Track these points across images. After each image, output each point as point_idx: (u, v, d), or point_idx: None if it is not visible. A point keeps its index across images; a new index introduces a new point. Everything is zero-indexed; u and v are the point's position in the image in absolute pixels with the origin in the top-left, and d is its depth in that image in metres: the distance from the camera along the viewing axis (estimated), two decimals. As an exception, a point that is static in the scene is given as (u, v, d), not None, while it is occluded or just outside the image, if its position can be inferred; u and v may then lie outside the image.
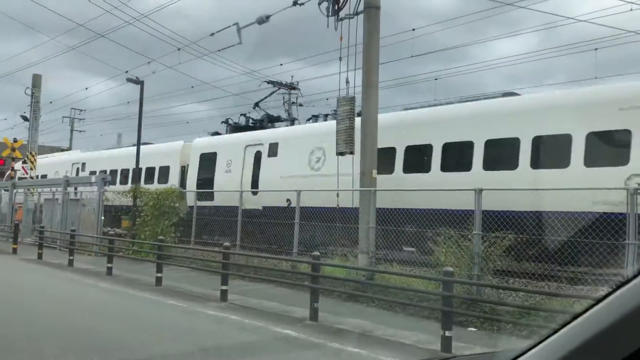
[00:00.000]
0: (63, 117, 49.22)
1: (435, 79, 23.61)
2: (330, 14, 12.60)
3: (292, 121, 22.03)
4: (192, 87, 45.88)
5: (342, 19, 12.47)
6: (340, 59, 12.45)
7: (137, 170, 20.08)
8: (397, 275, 9.69)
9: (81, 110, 49.13)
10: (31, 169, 26.29)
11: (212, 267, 13.15)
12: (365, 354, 6.49)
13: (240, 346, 6.67)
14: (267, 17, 14.70)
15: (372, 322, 8.35)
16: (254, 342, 6.95)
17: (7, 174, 29.93)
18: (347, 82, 12.58)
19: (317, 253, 9.02)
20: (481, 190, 9.38)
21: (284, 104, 44.24)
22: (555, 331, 1.17)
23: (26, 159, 27.08)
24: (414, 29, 21.48)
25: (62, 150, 50.53)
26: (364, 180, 11.75)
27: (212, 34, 17.15)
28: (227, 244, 10.81)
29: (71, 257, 15.20)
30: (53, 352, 5.93)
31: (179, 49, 20.95)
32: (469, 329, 7.88)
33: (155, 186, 19.67)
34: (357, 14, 12.23)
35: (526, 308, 7.85)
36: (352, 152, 12.48)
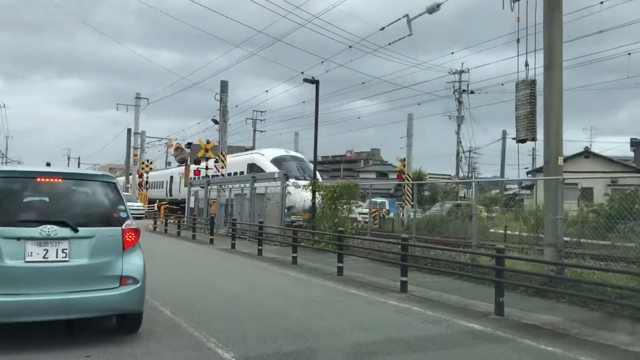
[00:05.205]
0: (246, 118, 53.39)
1: (629, 54, 21.15)
2: (506, -5, 12.00)
3: None
4: (363, 82, 46.68)
5: (518, -1, 11.81)
6: (518, 41, 11.82)
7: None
8: (591, 270, 8.93)
9: (262, 112, 52.84)
10: (222, 167, 28.90)
11: (389, 258, 13.36)
12: (560, 352, 6.11)
13: (426, 337, 6.68)
14: (438, 6, 14.43)
15: (563, 318, 7.84)
16: (439, 333, 6.92)
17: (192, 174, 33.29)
18: (527, 65, 11.90)
19: (501, 246, 8.68)
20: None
21: (454, 92, 43.15)
22: None
23: (217, 158, 29.85)
24: (602, 2, 19.45)
25: (246, 149, 54.75)
26: (549, 169, 11.03)
27: (382, 28, 17.31)
28: (405, 235, 10.89)
29: (260, 247, 16.49)
30: (254, 334, 6.48)
31: (350, 47, 21.52)
32: (683, 331, 7.01)
33: None
34: (536, -9, 11.49)
35: None
36: (533, 139, 11.81)
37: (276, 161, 28.49)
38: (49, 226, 5.57)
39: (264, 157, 29.93)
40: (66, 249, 5.64)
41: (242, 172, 29.76)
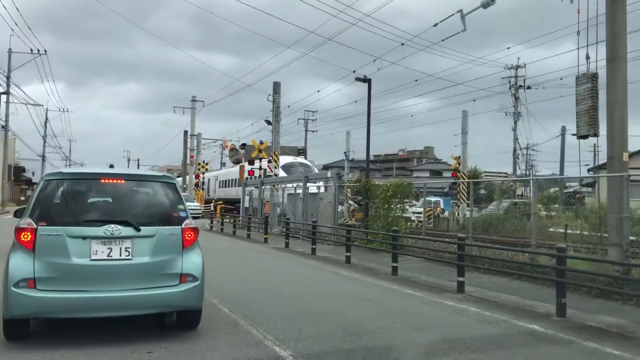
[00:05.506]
0: (298, 119, 53.77)
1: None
2: (565, -15, 11.61)
3: None
4: (416, 80, 46.09)
5: (579, -11, 11.39)
6: (578, 33, 11.41)
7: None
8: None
9: (313, 112, 53.08)
10: (275, 167, 29.25)
11: (444, 258, 13.17)
12: (628, 356, 5.85)
13: (485, 338, 6.54)
14: None
15: (631, 321, 7.51)
16: (498, 334, 6.76)
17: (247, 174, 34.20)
18: (588, 57, 11.48)
19: (562, 245, 8.40)
20: None
21: (510, 88, 42.04)
22: None
23: (270, 158, 30.24)
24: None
25: (298, 150, 55.16)
26: (613, 165, 10.60)
27: (435, 25, 17.05)
28: (461, 235, 10.70)
29: (313, 246, 16.57)
30: (310, 332, 6.52)
31: (402, 44, 21.32)
32: None
33: None
34: (597, -20, 11.07)
35: None
36: (595, 135, 11.38)
37: (285, 167, 31.62)
38: (112, 225, 5.78)
39: (245, 169, 34.45)
40: (129, 248, 5.84)
41: (259, 176, 33.59)
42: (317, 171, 31.82)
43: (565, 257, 8.24)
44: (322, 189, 21.89)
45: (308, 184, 22.51)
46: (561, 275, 8.06)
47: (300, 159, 37.25)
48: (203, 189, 45.76)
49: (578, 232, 14.43)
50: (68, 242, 5.62)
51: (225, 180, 46.17)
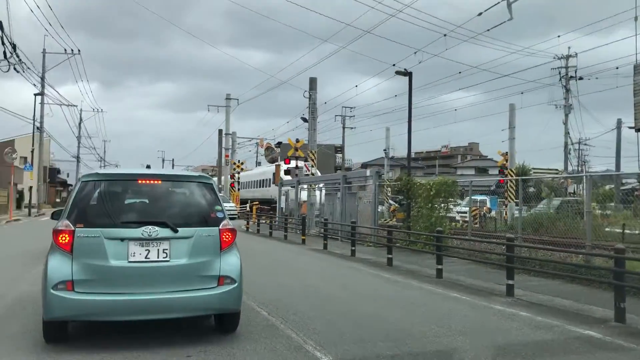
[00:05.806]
0: (335, 116, 53.26)
1: None
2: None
3: None
4: (459, 72, 45.16)
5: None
6: (635, 18, 10.74)
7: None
8: None
9: (351, 108, 52.47)
10: (312, 166, 28.98)
11: (492, 260, 12.70)
12: (698, 367, 5.39)
13: (536, 344, 6.15)
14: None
15: (699, 328, 6.97)
16: (551, 340, 6.36)
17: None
18: (645, 46, 10.83)
19: (621, 246, 7.89)
20: None
21: (560, 79, 40.58)
22: None
23: (307, 157, 29.97)
24: None
25: (336, 148, 54.74)
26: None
27: (480, 14, 16.47)
28: (510, 235, 10.24)
29: (353, 248, 16.24)
30: (352, 337, 6.28)
31: (445, 35, 20.80)
32: None
33: None
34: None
35: None
36: (654, 128, 10.74)
37: (289, 171, 32.63)
38: (150, 227, 5.66)
39: (281, 168, 35.57)
40: (166, 249, 5.71)
41: (268, 179, 38.21)
42: (319, 173, 33.38)
43: (624, 258, 7.74)
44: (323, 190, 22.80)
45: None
46: (620, 278, 7.57)
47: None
48: (239, 189, 45.58)
49: (637, 232, 13.70)
50: (106, 244, 5.53)
51: (260, 180, 45.89)
